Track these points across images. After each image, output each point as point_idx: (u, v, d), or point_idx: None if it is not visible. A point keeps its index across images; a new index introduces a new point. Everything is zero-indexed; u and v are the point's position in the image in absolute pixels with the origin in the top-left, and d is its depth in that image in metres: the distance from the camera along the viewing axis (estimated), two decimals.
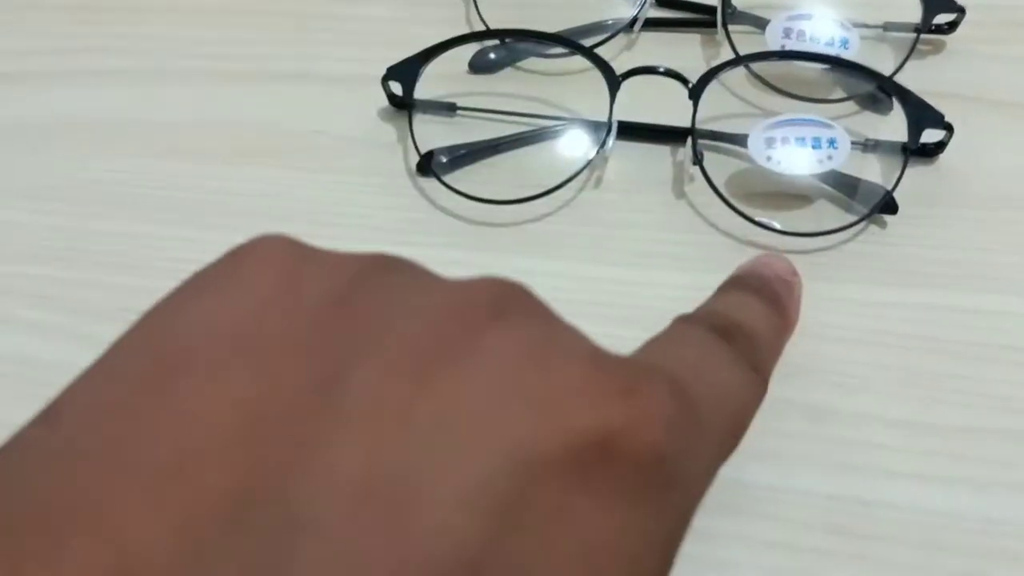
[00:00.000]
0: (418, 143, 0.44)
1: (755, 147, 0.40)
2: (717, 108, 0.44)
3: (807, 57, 0.43)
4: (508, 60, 0.47)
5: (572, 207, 0.43)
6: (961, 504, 0.34)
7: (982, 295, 0.39)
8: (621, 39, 0.47)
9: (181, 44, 0.50)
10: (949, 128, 0.40)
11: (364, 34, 0.49)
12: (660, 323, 0.38)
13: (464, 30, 0.48)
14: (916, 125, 0.40)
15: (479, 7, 0.49)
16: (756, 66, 0.44)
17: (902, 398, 0.37)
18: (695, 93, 0.41)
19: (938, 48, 0.46)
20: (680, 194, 0.42)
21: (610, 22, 0.47)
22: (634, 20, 0.47)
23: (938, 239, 0.40)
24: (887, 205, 0.40)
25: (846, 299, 0.39)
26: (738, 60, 0.43)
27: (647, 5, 0.47)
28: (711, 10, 0.46)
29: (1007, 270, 0.39)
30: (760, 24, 0.45)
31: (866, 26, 0.46)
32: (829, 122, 0.41)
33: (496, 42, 0.47)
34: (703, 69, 0.42)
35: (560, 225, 0.42)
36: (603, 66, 0.42)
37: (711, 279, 0.39)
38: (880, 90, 0.43)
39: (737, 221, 0.41)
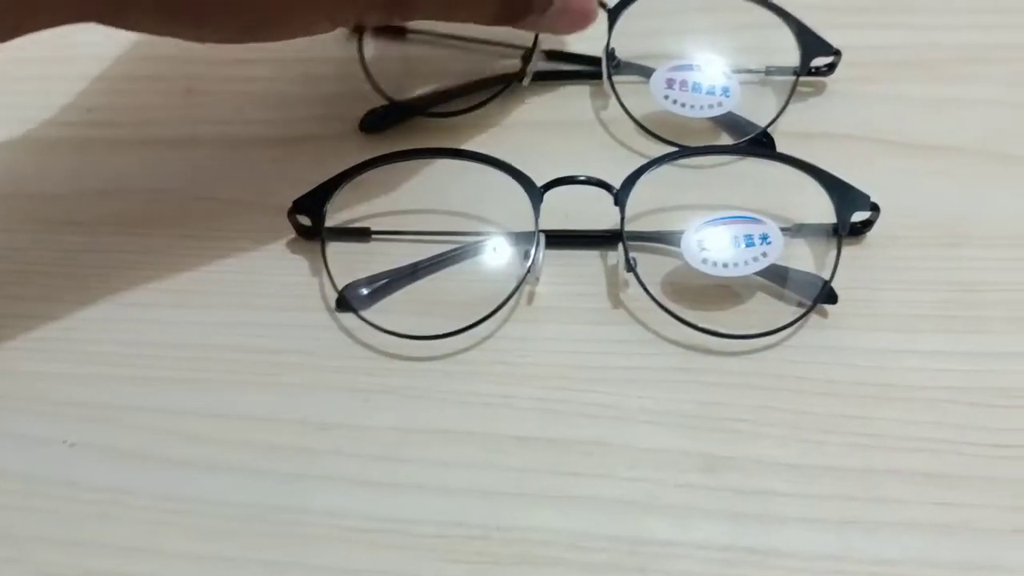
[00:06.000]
0: (333, 270, 0.42)
1: (689, 251, 0.39)
2: (638, 202, 0.42)
3: (726, 151, 0.43)
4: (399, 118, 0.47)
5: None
6: (855, 547, 0.35)
7: (867, 333, 0.39)
8: (512, 93, 0.47)
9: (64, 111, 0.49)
10: (875, 208, 0.41)
11: (253, 95, 0.49)
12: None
13: (351, 89, 0.47)
14: (844, 209, 0.40)
15: (372, 74, 0.47)
16: (638, 113, 0.45)
17: (794, 442, 0.37)
18: (620, 199, 0.41)
19: (819, 90, 0.47)
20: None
21: (493, 79, 0.47)
22: (521, 75, 0.47)
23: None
24: (827, 295, 0.40)
25: (732, 341, 0.39)
26: (660, 160, 0.42)
27: (535, 59, 0.46)
28: (597, 62, 0.46)
29: (891, 306, 0.40)
30: (645, 73, 0.46)
31: (748, 71, 0.46)
32: (759, 217, 0.40)
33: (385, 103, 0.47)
34: (593, 119, 0.45)
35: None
36: (524, 180, 0.41)
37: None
38: (763, 135, 0.44)
39: (680, 325, 0.40)
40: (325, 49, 0.49)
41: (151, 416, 0.39)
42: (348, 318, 0.41)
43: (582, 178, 0.41)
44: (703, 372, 0.39)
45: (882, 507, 0.35)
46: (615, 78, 0.46)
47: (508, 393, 0.39)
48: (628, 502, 0.36)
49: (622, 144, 0.46)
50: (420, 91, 0.48)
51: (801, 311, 0.40)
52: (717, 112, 0.44)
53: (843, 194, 0.40)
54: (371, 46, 0.48)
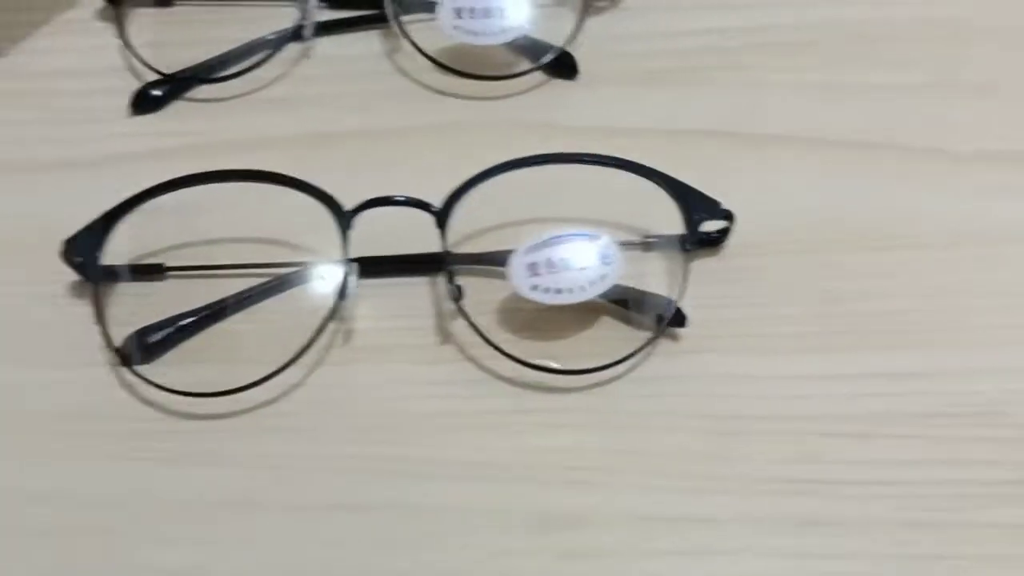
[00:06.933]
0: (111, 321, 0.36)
1: (518, 277, 0.35)
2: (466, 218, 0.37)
3: (559, 159, 0.37)
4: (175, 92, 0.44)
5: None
6: None
7: (723, 358, 0.35)
8: (295, 49, 0.44)
9: None
10: (728, 216, 0.37)
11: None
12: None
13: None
14: (693, 218, 0.36)
15: (139, 53, 0.44)
16: (431, 50, 0.43)
17: (643, 490, 0.33)
18: (441, 221, 0.36)
19: (615, 2, 0.46)
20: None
21: (271, 37, 0.44)
22: (300, 28, 0.44)
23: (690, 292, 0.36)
24: (676, 318, 0.36)
25: (571, 377, 0.35)
26: (485, 175, 0.37)
27: (310, 8, 0.44)
28: (379, 3, 0.44)
29: (749, 325, 0.36)
30: (430, 8, 0.43)
31: None
32: (596, 233, 0.36)
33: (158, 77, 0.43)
34: (388, 68, 0.44)
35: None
36: (329, 202, 0.37)
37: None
38: (563, 54, 0.43)
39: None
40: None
41: None
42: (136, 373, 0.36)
43: (399, 198, 0.37)
44: (541, 413, 0.35)
45: (745, 561, 0.32)
46: (401, 18, 0.44)
47: (318, 453, 0.34)
48: None
49: (422, 85, 0.44)
50: (196, 59, 0.44)
51: (647, 337, 0.36)
52: (512, 36, 0.43)
53: (691, 201, 0.36)
54: (134, 19, 0.45)
